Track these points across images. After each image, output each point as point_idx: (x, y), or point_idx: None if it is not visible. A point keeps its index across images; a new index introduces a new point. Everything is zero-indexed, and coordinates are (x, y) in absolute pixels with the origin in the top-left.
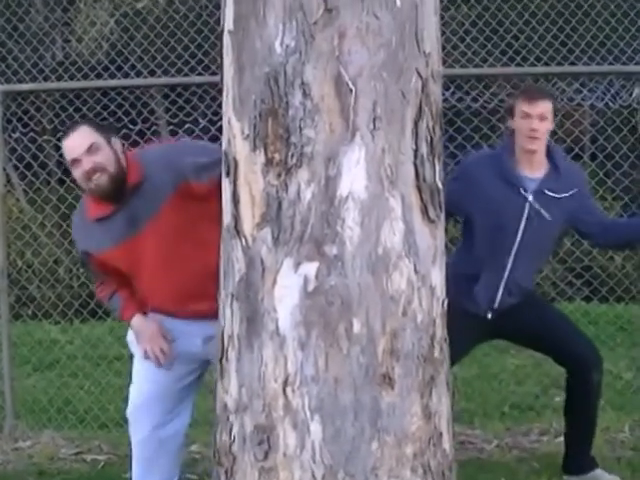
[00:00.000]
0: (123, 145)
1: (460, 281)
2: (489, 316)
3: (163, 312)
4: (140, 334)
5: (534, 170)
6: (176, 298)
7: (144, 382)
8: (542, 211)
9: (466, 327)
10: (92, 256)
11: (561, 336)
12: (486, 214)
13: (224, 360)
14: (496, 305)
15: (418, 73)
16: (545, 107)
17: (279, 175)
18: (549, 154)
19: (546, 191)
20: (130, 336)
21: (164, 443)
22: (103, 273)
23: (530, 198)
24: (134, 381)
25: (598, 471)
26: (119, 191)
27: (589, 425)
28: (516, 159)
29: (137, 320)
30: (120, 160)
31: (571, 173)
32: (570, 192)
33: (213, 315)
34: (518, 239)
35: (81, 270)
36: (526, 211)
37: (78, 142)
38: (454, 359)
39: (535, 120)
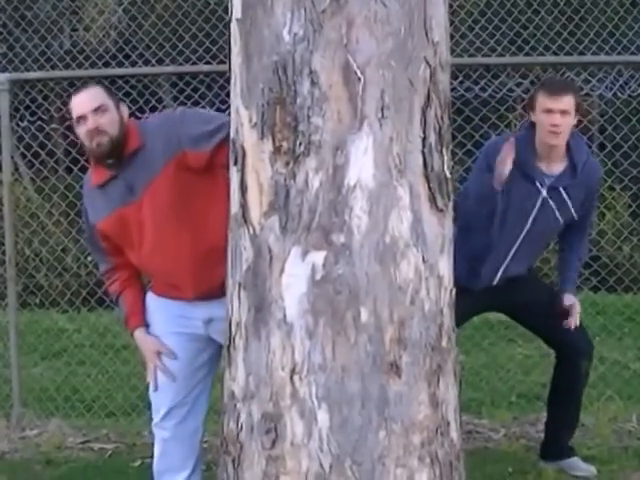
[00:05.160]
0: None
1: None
2: (482, 290)
3: (160, 293)
4: (141, 349)
5: (552, 165)
6: (171, 275)
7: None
8: (553, 207)
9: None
10: (97, 228)
11: (555, 319)
12: (500, 202)
13: (231, 348)
14: (494, 283)
15: (426, 62)
16: (568, 102)
17: (287, 163)
18: (569, 149)
19: (560, 188)
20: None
21: (179, 428)
22: (108, 252)
23: (544, 194)
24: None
25: (575, 459)
26: (117, 155)
27: (573, 413)
28: (535, 152)
29: (138, 335)
30: (124, 126)
31: (588, 173)
32: (583, 192)
33: (212, 296)
34: (525, 230)
35: (89, 258)
36: (537, 205)
37: (87, 100)
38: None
39: (557, 115)
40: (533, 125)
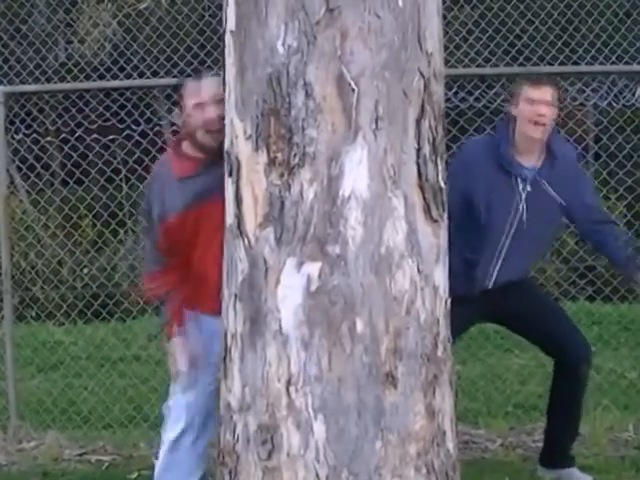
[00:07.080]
0: None
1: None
2: (479, 296)
3: (197, 307)
4: (176, 354)
5: (531, 158)
6: (204, 282)
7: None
8: (538, 200)
9: (456, 308)
10: (166, 221)
11: (552, 326)
12: (482, 201)
13: (227, 360)
14: (489, 287)
15: (420, 73)
16: (551, 93)
17: (282, 175)
18: (548, 143)
19: (543, 181)
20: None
21: (193, 447)
22: (165, 250)
23: (527, 187)
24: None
25: (573, 469)
26: (220, 153)
27: (573, 419)
28: (514, 147)
29: (176, 342)
30: None
31: (566, 157)
32: (566, 178)
33: None
34: (514, 227)
35: (84, 271)
36: (522, 200)
37: (209, 87)
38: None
39: (542, 105)
40: (510, 119)
